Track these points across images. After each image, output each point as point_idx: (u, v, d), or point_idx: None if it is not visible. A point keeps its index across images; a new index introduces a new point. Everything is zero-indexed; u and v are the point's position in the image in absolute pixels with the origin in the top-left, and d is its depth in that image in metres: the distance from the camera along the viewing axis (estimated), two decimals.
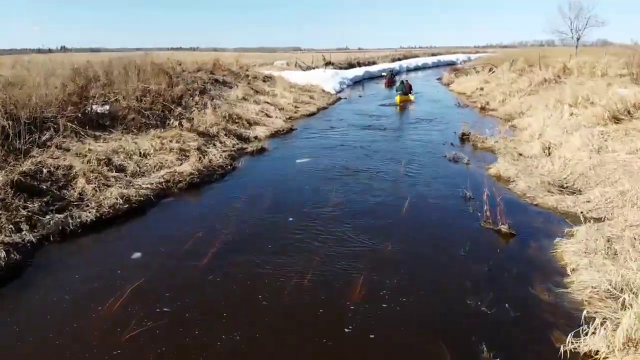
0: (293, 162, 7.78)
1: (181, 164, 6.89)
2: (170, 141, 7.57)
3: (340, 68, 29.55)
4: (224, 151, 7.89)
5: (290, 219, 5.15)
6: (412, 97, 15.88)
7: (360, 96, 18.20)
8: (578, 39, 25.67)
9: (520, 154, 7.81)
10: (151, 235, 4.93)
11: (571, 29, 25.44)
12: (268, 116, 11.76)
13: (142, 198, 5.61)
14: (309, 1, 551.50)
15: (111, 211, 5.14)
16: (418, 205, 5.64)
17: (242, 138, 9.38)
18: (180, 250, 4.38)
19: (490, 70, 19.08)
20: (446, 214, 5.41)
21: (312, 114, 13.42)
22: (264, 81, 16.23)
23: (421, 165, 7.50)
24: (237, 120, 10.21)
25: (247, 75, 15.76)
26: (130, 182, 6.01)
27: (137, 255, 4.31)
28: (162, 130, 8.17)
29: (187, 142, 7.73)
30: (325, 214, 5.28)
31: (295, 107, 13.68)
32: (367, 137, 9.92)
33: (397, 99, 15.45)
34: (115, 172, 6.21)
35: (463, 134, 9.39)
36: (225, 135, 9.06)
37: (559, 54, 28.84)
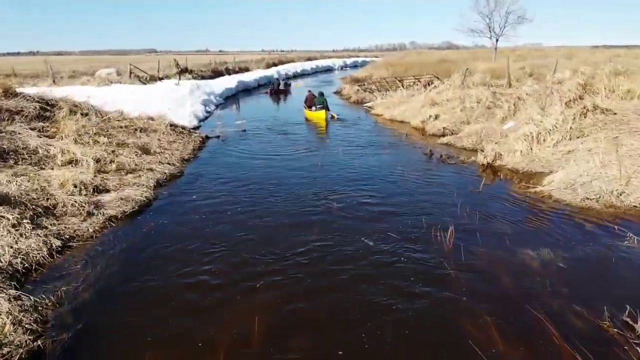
0: None
1: None
2: None
3: (203, 77, 21.37)
4: None
5: None
6: (335, 114, 12.44)
7: (244, 130, 10.61)
8: (497, 40, 22.06)
9: None
10: None
11: (490, 27, 21.62)
12: None
13: None
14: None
15: None
16: None
17: None
18: None
19: (428, 85, 13.44)
20: None
21: (141, 207, 5.45)
22: (38, 118, 7.49)
23: None
24: None
25: None
26: None
27: None
28: None
29: None
30: None
31: (98, 189, 5.57)
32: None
33: (321, 115, 11.75)
34: None
35: None
36: None
37: (457, 58, 25.54)
